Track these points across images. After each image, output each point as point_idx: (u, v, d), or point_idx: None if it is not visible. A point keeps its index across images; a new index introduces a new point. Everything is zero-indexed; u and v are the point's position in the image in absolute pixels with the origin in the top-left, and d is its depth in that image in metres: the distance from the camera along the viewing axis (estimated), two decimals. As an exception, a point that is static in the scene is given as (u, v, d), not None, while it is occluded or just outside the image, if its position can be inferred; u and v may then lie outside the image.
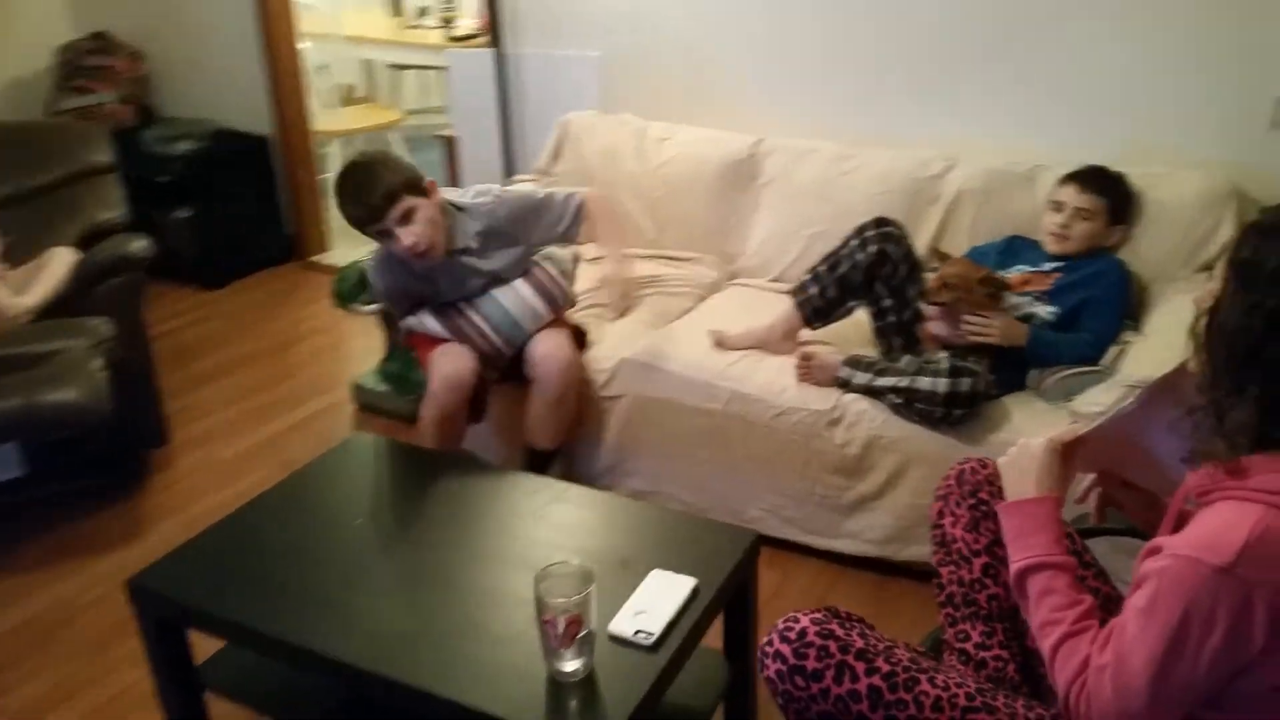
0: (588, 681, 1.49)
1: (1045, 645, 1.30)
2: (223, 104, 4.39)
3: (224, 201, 4.25)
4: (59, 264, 2.86)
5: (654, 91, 3.32)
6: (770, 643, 1.38)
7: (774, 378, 2.46)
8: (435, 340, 2.56)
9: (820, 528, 2.47)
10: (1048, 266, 2.51)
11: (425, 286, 2.56)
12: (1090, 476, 1.54)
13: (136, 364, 2.89)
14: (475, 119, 3.67)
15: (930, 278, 2.41)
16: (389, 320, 3.20)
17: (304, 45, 4.44)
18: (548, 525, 1.90)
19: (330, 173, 4.80)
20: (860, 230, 2.47)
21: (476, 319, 2.53)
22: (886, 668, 1.35)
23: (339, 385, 3.44)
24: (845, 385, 2.38)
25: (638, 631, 1.56)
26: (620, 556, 1.76)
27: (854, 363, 2.39)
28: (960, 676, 1.39)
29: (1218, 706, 1.19)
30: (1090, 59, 2.70)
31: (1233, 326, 1.18)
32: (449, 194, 2.59)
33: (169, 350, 3.56)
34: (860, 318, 2.57)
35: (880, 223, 2.46)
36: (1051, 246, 2.51)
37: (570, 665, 1.48)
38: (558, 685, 1.49)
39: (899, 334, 2.50)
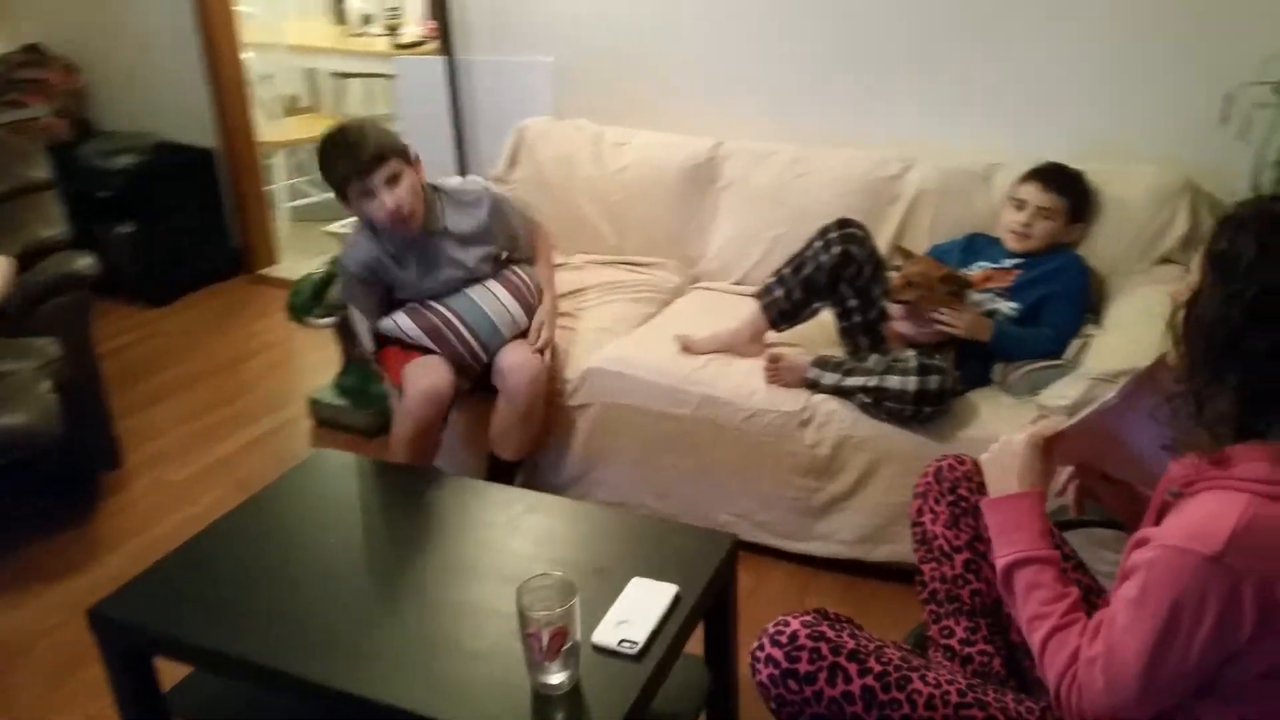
0: (574, 694, 1.47)
1: (1034, 639, 1.31)
2: (164, 116, 4.29)
3: (167, 216, 4.16)
4: None
5: (609, 96, 3.31)
6: (761, 647, 1.36)
7: (743, 380, 2.45)
8: (406, 354, 2.51)
9: (792, 531, 2.47)
10: (1008, 263, 2.53)
11: (396, 268, 2.52)
12: (1069, 470, 1.55)
13: (85, 385, 2.82)
14: (426, 127, 3.62)
15: (894, 276, 2.42)
16: (345, 333, 3.14)
17: (246, 55, 4.36)
18: (523, 537, 1.87)
19: (276, 184, 4.73)
20: (824, 232, 2.48)
21: (452, 318, 2.50)
22: (879, 668, 1.34)
23: (294, 401, 3.37)
24: (814, 386, 2.38)
25: (622, 641, 1.54)
26: (599, 565, 1.74)
27: (822, 363, 2.39)
28: (950, 673, 1.39)
29: (1205, 694, 1.20)
30: (1042, 57, 2.74)
31: (1211, 318, 1.20)
32: (438, 182, 2.60)
33: (116, 370, 3.45)
34: (825, 318, 2.57)
35: (843, 224, 2.46)
36: (1012, 244, 2.54)
37: (556, 678, 1.45)
38: (542, 699, 1.46)
39: (865, 333, 2.51)
